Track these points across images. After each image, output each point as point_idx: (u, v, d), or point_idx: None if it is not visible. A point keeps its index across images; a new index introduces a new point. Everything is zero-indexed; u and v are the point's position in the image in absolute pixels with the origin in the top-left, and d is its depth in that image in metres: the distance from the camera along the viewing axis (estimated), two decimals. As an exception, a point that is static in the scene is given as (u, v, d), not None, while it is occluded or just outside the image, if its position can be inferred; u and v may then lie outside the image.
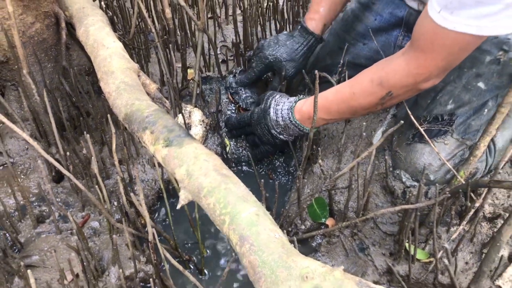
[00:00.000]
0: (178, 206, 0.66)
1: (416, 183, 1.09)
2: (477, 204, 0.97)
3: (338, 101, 1.07)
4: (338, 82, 1.26)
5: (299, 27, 1.29)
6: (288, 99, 1.18)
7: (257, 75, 1.35)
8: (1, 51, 1.29)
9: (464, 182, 0.99)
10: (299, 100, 1.15)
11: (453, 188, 0.99)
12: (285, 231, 1.13)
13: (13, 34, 1.06)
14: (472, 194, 0.99)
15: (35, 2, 1.28)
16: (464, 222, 0.97)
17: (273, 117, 1.17)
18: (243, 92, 1.40)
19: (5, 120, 0.81)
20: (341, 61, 1.30)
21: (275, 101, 1.18)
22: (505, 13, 0.76)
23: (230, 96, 1.41)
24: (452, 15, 0.80)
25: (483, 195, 0.98)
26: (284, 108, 1.15)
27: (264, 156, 1.34)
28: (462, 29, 0.80)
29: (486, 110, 1.06)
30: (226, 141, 1.36)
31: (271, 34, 1.82)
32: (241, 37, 1.71)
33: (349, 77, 1.34)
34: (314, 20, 1.27)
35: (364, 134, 1.03)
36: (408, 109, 1.06)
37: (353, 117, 1.13)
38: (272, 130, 1.19)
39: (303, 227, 1.16)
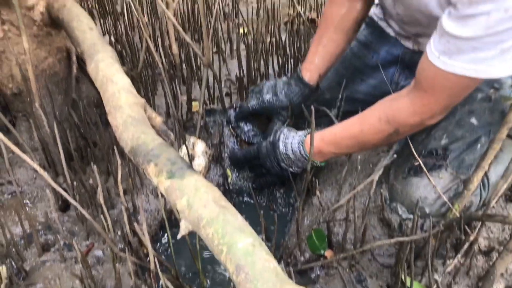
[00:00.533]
0: (179, 236, 0.69)
1: (411, 216, 1.11)
2: (471, 238, 0.99)
3: (347, 137, 1.11)
4: (337, 116, 1.31)
5: (296, 75, 1.34)
6: (296, 133, 1.21)
7: (252, 113, 1.40)
8: (15, 83, 1.36)
9: (458, 216, 1.01)
10: (308, 133, 1.19)
11: (447, 221, 1.01)
12: (284, 262, 1.16)
13: (27, 68, 1.12)
14: (466, 227, 1.01)
15: (49, 38, 1.35)
16: (459, 255, 0.99)
17: (283, 150, 1.20)
18: (244, 126, 1.44)
19: (16, 150, 0.86)
20: (340, 96, 1.35)
21: (283, 135, 1.21)
22: (500, 58, 0.81)
23: (231, 130, 1.46)
24: (450, 60, 0.85)
25: (477, 229, 1.00)
26: (294, 142, 1.18)
27: (269, 185, 1.38)
28: (461, 72, 0.85)
29: (479, 145, 1.10)
30: (228, 172, 1.40)
31: (273, 69, 1.88)
32: (245, 72, 1.77)
33: (347, 112, 1.40)
34: (309, 72, 1.31)
35: (359, 167, 1.06)
36: (410, 142, 1.11)
37: (361, 151, 1.18)
38: (282, 163, 1.22)
39: (302, 258, 1.18)
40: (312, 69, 1.31)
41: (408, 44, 1.24)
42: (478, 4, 0.76)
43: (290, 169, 1.22)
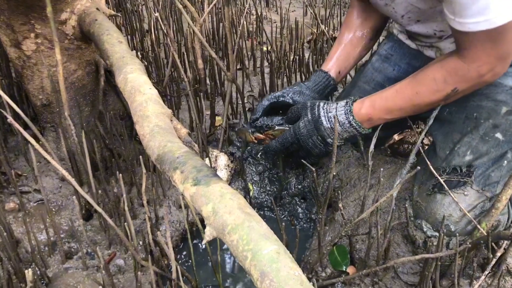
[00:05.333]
0: (203, 242, 0.70)
1: (437, 234, 1.09)
2: (498, 254, 0.96)
3: (400, 101, 1.10)
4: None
5: (315, 73, 1.37)
6: (337, 104, 1.18)
7: (272, 106, 1.33)
8: (45, 95, 1.40)
9: (486, 234, 0.99)
10: (352, 102, 1.17)
11: (474, 239, 0.99)
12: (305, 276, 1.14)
13: (59, 80, 1.16)
14: (494, 246, 0.99)
15: (79, 51, 1.39)
16: (486, 272, 0.96)
17: (327, 125, 1.16)
18: (269, 119, 1.32)
19: (47, 156, 0.88)
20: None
21: (323, 110, 1.18)
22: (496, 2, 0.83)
23: (253, 137, 1.34)
24: (462, 18, 0.88)
25: (502, 246, 0.97)
26: (340, 113, 1.16)
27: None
28: (475, 28, 0.88)
29: (505, 161, 1.07)
30: (250, 186, 1.40)
31: (296, 86, 1.89)
32: (268, 88, 1.79)
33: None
34: (329, 66, 1.36)
35: (382, 179, 1.05)
36: (433, 159, 1.09)
37: (414, 114, 1.14)
38: (328, 139, 1.18)
39: (323, 274, 1.17)
40: (331, 65, 1.35)
41: (431, 53, 1.24)
42: None
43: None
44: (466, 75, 0.99)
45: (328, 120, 1.16)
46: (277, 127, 1.29)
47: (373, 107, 1.13)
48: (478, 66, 0.97)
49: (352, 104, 1.16)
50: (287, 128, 1.26)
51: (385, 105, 1.12)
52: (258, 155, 1.45)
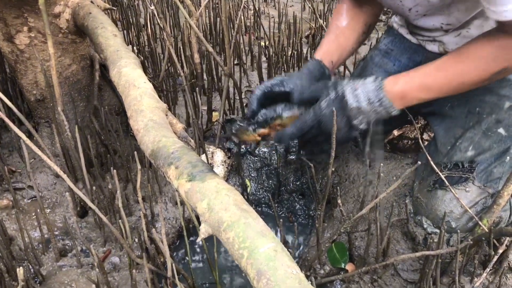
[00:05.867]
0: (198, 239, 0.68)
1: (437, 230, 1.07)
2: (500, 251, 0.94)
3: (441, 79, 0.98)
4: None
5: (309, 61, 1.23)
6: (365, 79, 1.03)
7: (266, 96, 1.16)
8: (39, 90, 1.37)
9: (487, 231, 0.97)
10: (382, 78, 1.03)
11: (476, 236, 0.97)
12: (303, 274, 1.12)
13: (52, 74, 1.13)
14: (496, 243, 0.97)
15: (74, 45, 1.37)
16: (488, 269, 0.95)
17: (354, 104, 1.01)
18: (271, 110, 1.14)
19: (39, 152, 0.86)
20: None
21: (350, 87, 1.02)
22: None
23: (257, 134, 1.15)
24: (495, 6, 0.83)
25: (504, 243, 0.96)
26: (370, 90, 1.01)
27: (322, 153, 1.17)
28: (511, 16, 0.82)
29: (508, 157, 1.05)
30: (247, 182, 1.38)
31: (294, 81, 1.87)
32: (266, 83, 1.77)
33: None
34: (322, 55, 1.22)
35: (382, 174, 1.02)
36: (428, 156, 1.07)
37: (453, 93, 1.01)
38: (355, 120, 1.02)
39: (322, 271, 1.15)
40: (324, 54, 1.23)
41: (433, 47, 1.21)
42: None
43: (362, 126, 1.03)
44: None
45: (355, 98, 1.01)
46: (285, 115, 1.12)
47: (409, 83, 1.00)
48: None
49: (382, 80, 1.02)
50: (300, 114, 1.10)
51: (424, 81, 0.99)
52: (256, 151, 1.43)
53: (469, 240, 0.94)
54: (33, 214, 1.26)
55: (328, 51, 1.24)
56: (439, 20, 1.10)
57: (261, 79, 1.79)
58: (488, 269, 0.94)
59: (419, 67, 1.01)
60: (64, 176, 0.88)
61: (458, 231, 0.99)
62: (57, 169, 0.88)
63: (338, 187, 1.30)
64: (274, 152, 1.38)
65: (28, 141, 0.90)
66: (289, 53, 2.00)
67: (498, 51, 0.92)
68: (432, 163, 1.03)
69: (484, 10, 0.88)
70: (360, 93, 1.00)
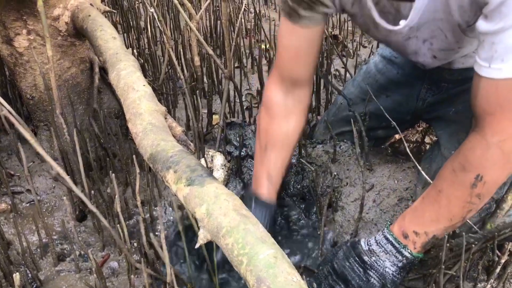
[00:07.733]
0: (197, 246, 0.66)
1: (440, 236, 1.06)
2: (502, 260, 0.93)
3: (428, 206, 0.94)
4: (360, 132, 1.27)
5: (253, 200, 1.14)
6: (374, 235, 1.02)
7: None
8: (38, 93, 1.36)
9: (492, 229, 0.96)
10: (389, 224, 1.00)
11: (481, 235, 0.96)
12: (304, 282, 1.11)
13: (50, 77, 1.12)
14: (498, 251, 0.96)
15: (73, 48, 1.36)
16: (492, 280, 0.94)
17: (365, 247, 1.00)
18: None
19: (42, 152, 0.85)
20: (364, 111, 1.31)
21: (360, 240, 1.02)
22: None
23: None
24: (503, 63, 0.76)
25: (508, 248, 0.94)
26: (377, 235, 1.01)
27: None
28: None
29: (511, 162, 1.04)
30: (248, 186, 1.37)
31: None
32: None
33: (371, 128, 1.35)
34: (268, 193, 1.15)
35: (383, 178, 1.01)
36: (432, 160, 1.06)
37: (453, 224, 0.92)
38: (365, 257, 0.99)
39: (323, 276, 1.13)
40: (269, 190, 1.15)
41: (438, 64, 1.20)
42: None
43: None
44: (485, 154, 0.83)
45: (367, 243, 1.01)
46: None
47: (404, 218, 0.98)
48: (499, 138, 0.82)
49: (388, 224, 1.01)
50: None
51: (414, 214, 0.97)
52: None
53: (473, 245, 0.92)
54: (31, 218, 1.24)
55: (271, 183, 1.15)
56: (451, 54, 1.08)
57: (261, 82, 1.78)
58: (492, 279, 0.93)
59: (413, 203, 0.99)
60: (66, 177, 0.87)
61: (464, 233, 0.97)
62: (57, 166, 0.86)
63: (339, 191, 1.28)
64: None
65: (32, 140, 0.89)
66: (290, 56, 1.99)
67: (465, 159, 0.87)
68: (422, 172, 1.00)
69: (477, 70, 0.81)
70: (370, 239, 1.00)
